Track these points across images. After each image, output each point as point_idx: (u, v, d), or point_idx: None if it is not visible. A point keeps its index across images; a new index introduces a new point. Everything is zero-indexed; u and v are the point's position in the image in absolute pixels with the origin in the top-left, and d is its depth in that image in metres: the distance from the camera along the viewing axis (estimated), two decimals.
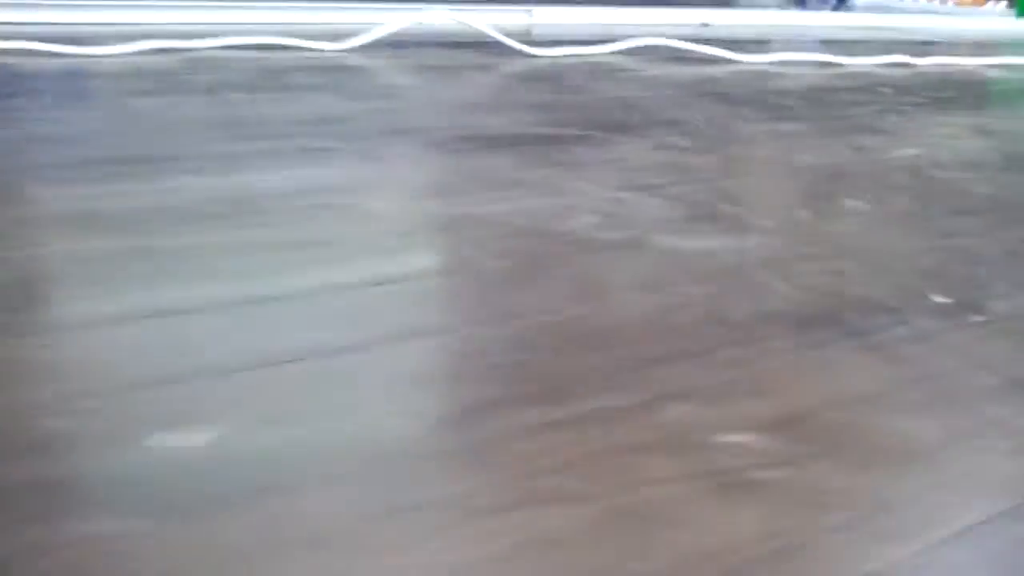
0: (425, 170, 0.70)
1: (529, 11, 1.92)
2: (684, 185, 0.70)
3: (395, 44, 1.41)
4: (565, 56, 1.41)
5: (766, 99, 1.12)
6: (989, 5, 3.52)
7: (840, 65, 1.50)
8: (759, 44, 1.72)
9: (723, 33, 1.97)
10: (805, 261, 0.55)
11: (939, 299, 0.50)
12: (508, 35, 1.53)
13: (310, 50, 1.28)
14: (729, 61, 1.45)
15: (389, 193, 0.63)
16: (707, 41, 1.75)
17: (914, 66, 1.54)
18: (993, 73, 1.52)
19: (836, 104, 1.13)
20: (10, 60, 1.09)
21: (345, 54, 1.28)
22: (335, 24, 1.56)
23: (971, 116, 1.10)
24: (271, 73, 1.09)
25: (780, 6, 3.19)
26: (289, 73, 1.10)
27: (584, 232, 0.57)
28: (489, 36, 1.44)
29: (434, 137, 0.81)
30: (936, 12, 3.25)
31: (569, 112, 0.96)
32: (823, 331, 0.45)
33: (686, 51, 1.51)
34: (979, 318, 0.48)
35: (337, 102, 0.94)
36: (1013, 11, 3.15)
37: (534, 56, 1.38)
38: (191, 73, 1.06)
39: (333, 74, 1.11)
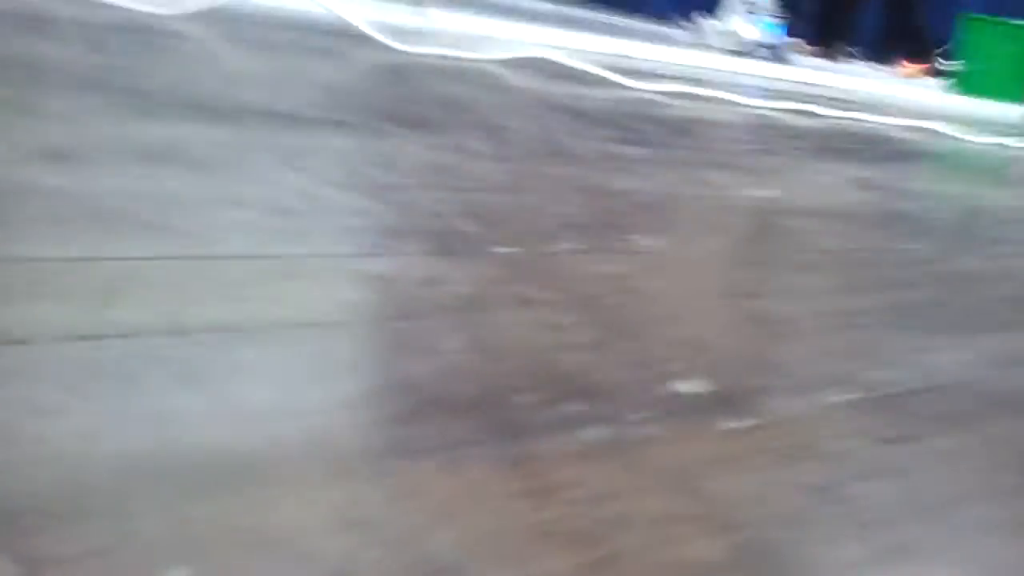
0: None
1: (424, 11, 1.77)
2: (429, 191, 0.53)
3: (237, 18, 1.23)
4: (432, 56, 1.25)
5: (628, 123, 0.96)
6: (930, 80, 3.48)
7: (740, 105, 1.37)
8: (664, 78, 1.58)
9: (638, 65, 1.83)
10: (517, 308, 0.38)
11: (686, 387, 0.34)
12: (400, 30, 1.37)
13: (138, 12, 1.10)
14: (618, 86, 1.31)
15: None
16: (608, 66, 1.61)
17: (819, 116, 1.41)
18: (900, 134, 1.40)
19: (708, 138, 0.98)
20: None
21: (164, 20, 1.10)
22: None
23: (856, 168, 0.96)
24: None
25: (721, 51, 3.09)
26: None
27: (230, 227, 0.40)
28: (352, 25, 1.28)
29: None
30: (869, 76, 3.19)
31: (375, 102, 0.80)
32: (463, 423, 0.28)
33: (573, 70, 1.36)
34: (735, 422, 0.32)
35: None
36: (953, 87, 3.10)
37: (398, 51, 1.22)
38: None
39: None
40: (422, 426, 0.28)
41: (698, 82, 1.62)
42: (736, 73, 2.20)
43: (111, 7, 1.07)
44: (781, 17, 3.33)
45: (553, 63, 1.39)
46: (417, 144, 0.65)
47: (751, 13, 3.23)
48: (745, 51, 3.27)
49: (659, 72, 1.64)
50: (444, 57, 1.27)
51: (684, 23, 3.61)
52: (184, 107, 0.62)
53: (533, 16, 2.54)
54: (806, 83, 2.20)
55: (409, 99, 0.85)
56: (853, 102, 1.83)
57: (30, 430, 0.24)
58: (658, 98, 1.25)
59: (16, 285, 0.32)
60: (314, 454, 0.25)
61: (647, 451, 0.29)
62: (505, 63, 1.32)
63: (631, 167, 0.73)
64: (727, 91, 1.45)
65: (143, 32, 0.94)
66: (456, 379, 0.31)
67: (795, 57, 3.52)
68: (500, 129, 0.78)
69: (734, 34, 3.28)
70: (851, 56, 3.78)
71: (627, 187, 0.65)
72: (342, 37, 1.25)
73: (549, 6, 3.83)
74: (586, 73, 1.35)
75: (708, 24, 3.40)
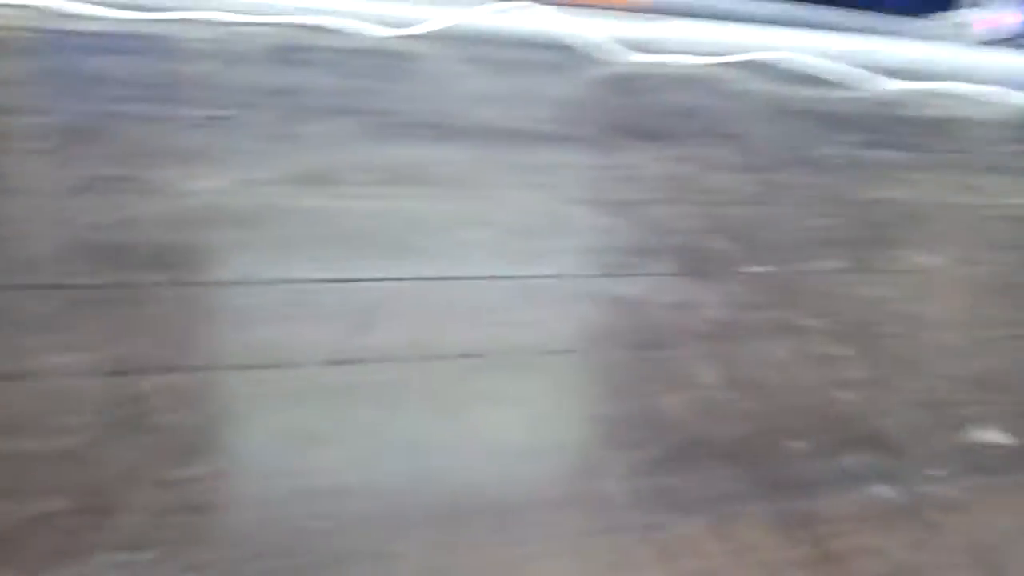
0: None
1: (652, 20, 1.74)
2: (673, 206, 0.50)
3: (474, 38, 1.26)
4: (660, 64, 1.22)
5: (878, 125, 0.89)
6: None
7: (1004, 101, 1.23)
8: (912, 73, 1.46)
9: (882, 62, 1.71)
10: (778, 336, 0.35)
11: (983, 436, 0.30)
12: (632, 43, 1.35)
13: (365, 35, 1.16)
14: (860, 86, 1.22)
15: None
16: (847, 65, 1.51)
17: None
18: None
19: (972, 139, 0.89)
20: None
21: (405, 44, 1.15)
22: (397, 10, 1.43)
23: None
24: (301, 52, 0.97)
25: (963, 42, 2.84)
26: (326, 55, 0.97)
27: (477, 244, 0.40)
28: (579, 39, 1.27)
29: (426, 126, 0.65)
30: None
31: (608, 115, 0.78)
32: (731, 471, 0.25)
33: (809, 71, 1.28)
34: None
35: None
36: None
37: (626, 63, 1.20)
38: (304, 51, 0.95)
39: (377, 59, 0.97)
40: (687, 473, 0.25)
41: (952, 77, 1.48)
42: (995, 65, 2.00)
43: (350, 34, 1.13)
44: None
45: (786, 65, 1.31)
46: (656, 156, 0.63)
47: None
48: (1004, 39, 2.98)
49: (905, 69, 1.51)
50: (673, 65, 1.23)
51: (927, 16, 3.34)
52: (426, 127, 0.63)
53: (757, 16, 2.44)
54: None
55: (642, 110, 0.83)
56: None
57: (289, 461, 0.24)
58: (908, 97, 1.15)
59: (276, 307, 0.33)
60: (574, 497, 0.24)
61: (946, 518, 0.25)
62: (735, 66, 1.27)
63: (889, 174, 0.66)
64: (987, 85, 1.31)
65: (382, 55, 0.98)
66: (718, 418, 0.28)
67: None
68: (740, 137, 0.74)
69: (987, 22, 3.00)
70: None
71: (887, 196, 0.59)
72: (568, 51, 1.25)
73: (773, 6, 3.67)
74: (823, 73, 1.27)
75: (957, 14, 3.13)
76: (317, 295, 0.34)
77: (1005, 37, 2.89)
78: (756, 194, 0.55)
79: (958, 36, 2.98)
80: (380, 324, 0.32)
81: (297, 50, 0.93)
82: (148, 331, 0.30)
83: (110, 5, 1.05)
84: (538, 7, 1.41)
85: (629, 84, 0.98)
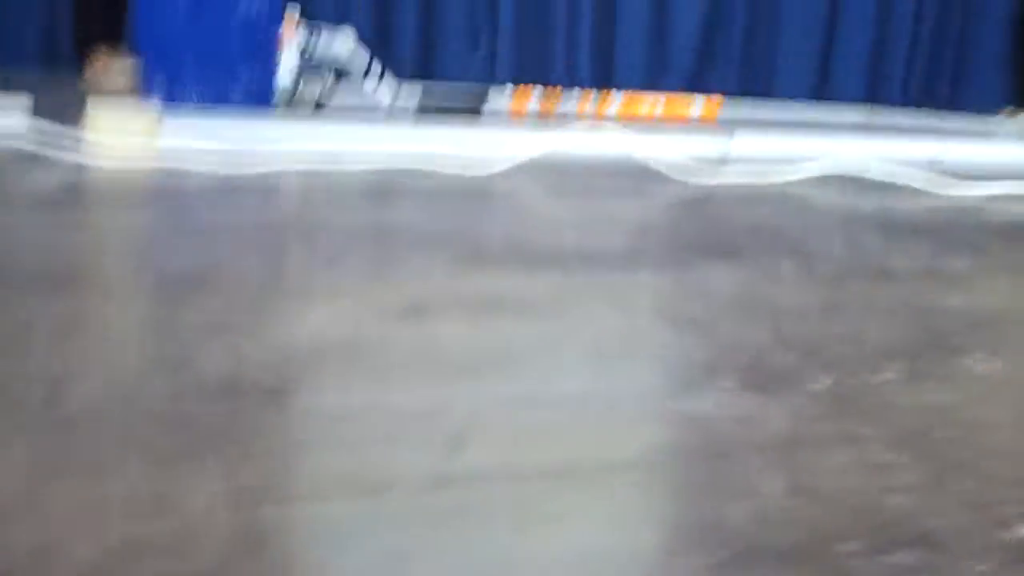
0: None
1: (722, 136, 1.79)
2: (741, 322, 0.54)
3: (552, 168, 1.33)
4: (730, 185, 1.26)
5: (949, 232, 0.91)
6: None
7: None
8: (983, 178, 1.46)
9: (953, 166, 1.71)
10: (838, 446, 0.38)
11: None
12: (704, 160, 1.41)
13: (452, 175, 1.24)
14: (933, 193, 1.23)
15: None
16: (920, 172, 1.53)
17: None
18: None
19: None
20: None
21: (488, 180, 1.23)
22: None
23: None
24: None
25: None
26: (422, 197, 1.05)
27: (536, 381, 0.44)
28: (652, 163, 1.33)
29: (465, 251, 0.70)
30: None
31: (680, 236, 0.83)
32: (785, 571, 0.28)
33: (882, 181, 1.31)
34: None
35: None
36: None
37: (697, 185, 1.25)
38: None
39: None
40: None
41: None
42: None
43: (436, 175, 1.21)
44: None
45: (858, 176, 1.34)
46: (725, 274, 0.67)
47: None
48: None
49: (978, 173, 1.52)
50: (743, 185, 1.27)
51: (1002, 113, 3.32)
52: (509, 257, 0.69)
53: (831, 127, 2.47)
54: None
55: (712, 230, 0.87)
56: None
57: None
58: (980, 203, 1.16)
59: (375, 433, 0.38)
60: None
61: None
62: (807, 183, 1.29)
63: (957, 281, 0.68)
64: None
65: (466, 192, 1.05)
66: (777, 525, 0.31)
67: None
68: (808, 252, 0.77)
69: None
70: None
71: (954, 305, 0.61)
72: (642, 176, 1.30)
73: (850, 114, 3.69)
74: (896, 183, 1.29)
75: None
76: (412, 420, 0.39)
77: None
78: (821, 308, 0.58)
79: None
80: (470, 446, 0.36)
81: (392, 193, 1.02)
82: (262, 461, 0.35)
83: (217, 159, 1.16)
84: (611, 130, 1.48)
85: (702, 203, 1.02)
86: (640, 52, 5.76)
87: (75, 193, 0.90)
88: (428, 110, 2.23)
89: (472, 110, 2.40)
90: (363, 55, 2.22)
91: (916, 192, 1.20)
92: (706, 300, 0.60)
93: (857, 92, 5.65)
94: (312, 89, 2.04)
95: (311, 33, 2.09)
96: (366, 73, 2.21)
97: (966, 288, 0.67)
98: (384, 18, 5.04)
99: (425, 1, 5.28)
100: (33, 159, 1.00)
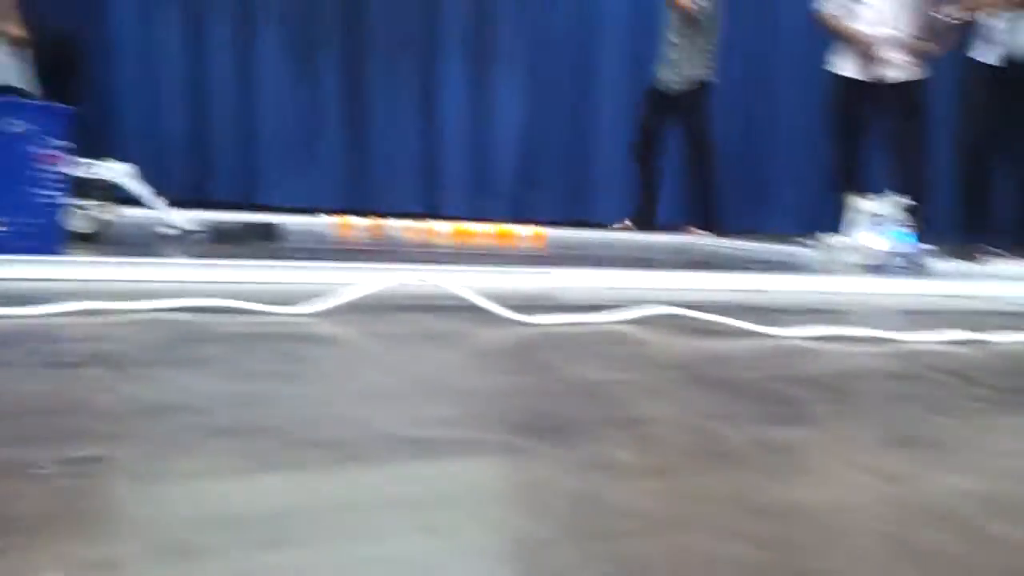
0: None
1: (548, 272, 1.78)
2: (576, 543, 0.46)
3: (373, 308, 1.25)
4: (559, 324, 1.22)
5: (778, 388, 0.89)
6: None
7: (892, 341, 1.27)
8: (805, 315, 1.51)
9: (774, 301, 1.77)
10: None
11: None
12: (527, 299, 1.37)
13: (269, 314, 1.14)
14: (751, 333, 1.24)
15: None
16: (743, 309, 1.56)
17: (991, 344, 1.29)
18: None
19: (873, 398, 0.89)
20: None
21: (309, 319, 1.13)
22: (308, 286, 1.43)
23: None
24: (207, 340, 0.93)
25: (852, 272, 3.01)
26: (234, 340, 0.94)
27: None
28: (474, 302, 1.28)
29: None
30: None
31: (506, 405, 0.76)
32: None
33: (703, 321, 1.31)
34: None
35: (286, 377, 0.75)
36: None
37: (521, 324, 1.20)
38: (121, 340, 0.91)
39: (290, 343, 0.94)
40: None
41: (842, 315, 1.54)
42: (874, 295, 2.10)
43: (247, 313, 1.10)
44: (911, 226, 3.25)
45: (683, 316, 1.34)
46: (553, 466, 0.60)
47: (878, 225, 3.17)
48: (878, 266, 3.18)
49: (797, 308, 1.56)
50: (571, 324, 1.24)
51: (808, 241, 3.57)
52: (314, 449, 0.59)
53: (647, 261, 2.55)
54: (958, 296, 2.07)
55: (544, 391, 0.81)
56: None
57: None
58: (804, 344, 1.17)
59: None
60: None
61: None
62: (636, 322, 1.28)
63: (793, 461, 0.65)
64: (875, 324, 1.36)
65: (280, 338, 0.95)
66: None
67: (935, 265, 3.39)
68: (641, 424, 0.72)
69: (863, 249, 3.21)
70: (998, 255, 3.61)
71: (792, 499, 0.56)
72: (462, 313, 1.24)
73: (667, 248, 3.86)
74: (717, 323, 1.29)
75: (834, 241, 3.34)
76: None
77: (877, 262, 3.08)
78: (665, 515, 0.52)
79: (841, 261, 3.15)
80: None
81: (193, 341, 0.90)
82: None
83: None
84: (436, 266, 1.42)
85: (527, 352, 0.97)
86: (464, 179, 5.80)
87: None
88: (218, 240, 2.14)
89: (266, 237, 2.32)
90: (140, 185, 2.12)
91: (741, 333, 1.20)
92: (535, 506, 0.52)
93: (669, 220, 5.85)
94: (91, 220, 1.90)
95: (86, 165, 1.97)
96: (147, 203, 2.10)
97: (802, 473, 0.63)
98: (202, 147, 4.86)
99: (243, 128, 5.19)
100: None
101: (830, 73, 4.22)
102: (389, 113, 5.23)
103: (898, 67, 4.00)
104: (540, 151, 5.53)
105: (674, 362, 1.00)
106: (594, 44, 5.45)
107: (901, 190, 3.73)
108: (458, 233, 3.80)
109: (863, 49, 4.02)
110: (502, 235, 3.93)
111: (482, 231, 3.93)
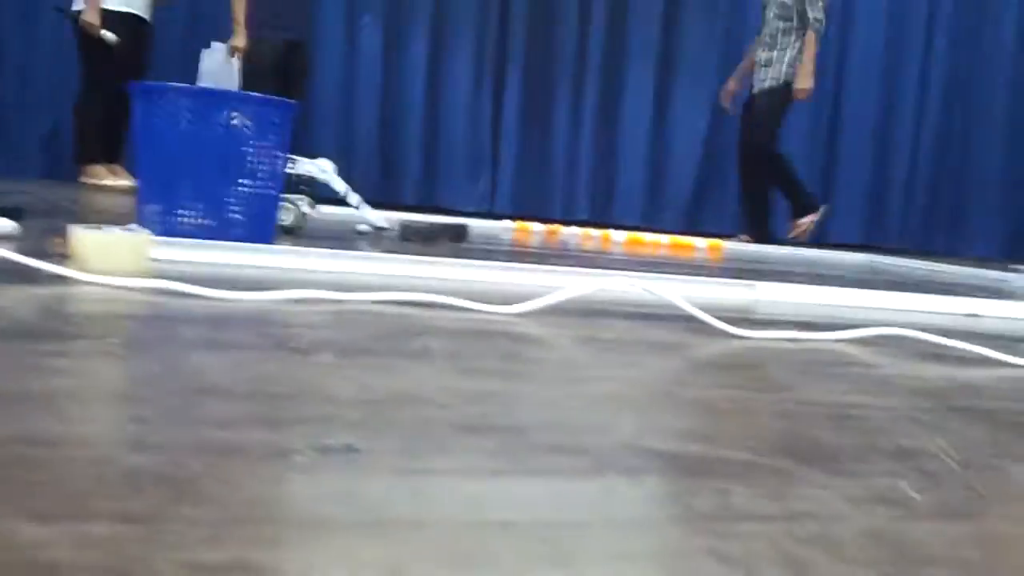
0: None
1: (752, 285, 1.70)
2: None
3: (581, 312, 1.22)
4: (776, 340, 1.15)
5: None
6: None
7: None
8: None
9: (993, 327, 1.62)
10: None
11: None
12: (730, 311, 1.31)
13: (480, 312, 1.12)
14: (995, 362, 1.12)
15: None
16: (967, 335, 1.42)
17: None
18: None
19: None
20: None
21: (519, 319, 1.11)
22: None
23: None
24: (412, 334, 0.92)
25: None
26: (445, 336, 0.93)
27: None
28: (683, 310, 1.22)
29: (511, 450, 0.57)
30: None
31: (747, 423, 0.70)
32: None
33: (936, 345, 1.20)
34: None
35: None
36: None
37: (737, 337, 1.13)
38: (335, 327, 0.92)
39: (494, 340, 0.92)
40: None
41: None
42: None
43: (463, 311, 1.09)
44: None
45: (911, 337, 1.23)
46: (834, 497, 0.53)
47: None
48: None
49: (1018, 335, 1.41)
50: (789, 340, 1.16)
51: (1017, 266, 3.28)
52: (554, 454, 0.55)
53: (838, 279, 2.40)
54: None
55: (782, 413, 0.74)
56: None
57: None
58: None
59: None
60: None
61: None
62: (858, 342, 1.19)
63: None
64: None
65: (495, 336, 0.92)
66: None
67: None
68: (914, 455, 0.64)
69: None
70: None
71: None
72: (672, 322, 1.19)
73: (851, 261, 3.65)
74: (947, 348, 1.17)
75: None
76: None
77: None
78: (965, 561, 0.45)
79: None
80: None
81: (413, 334, 0.89)
82: None
83: (212, 285, 1.04)
84: (638, 274, 1.38)
85: (757, 368, 0.90)
86: (639, 191, 5.76)
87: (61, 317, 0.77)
88: (409, 238, 2.16)
89: (456, 238, 2.34)
90: (341, 182, 2.18)
91: (981, 360, 1.09)
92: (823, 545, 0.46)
93: (853, 237, 5.67)
94: (295, 214, 1.97)
95: (291, 160, 2.04)
96: (345, 200, 2.16)
97: None
98: (389, 150, 5.06)
99: (429, 134, 5.34)
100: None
101: None
102: (571, 124, 5.25)
103: None
104: (716, 164, 5.40)
105: (920, 388, 0.91)
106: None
107: None
108: (633, 242, 3.73)
109: None
110: (678, 246, 3.84)
111: (657, 241, 3.85)
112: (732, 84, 4.67)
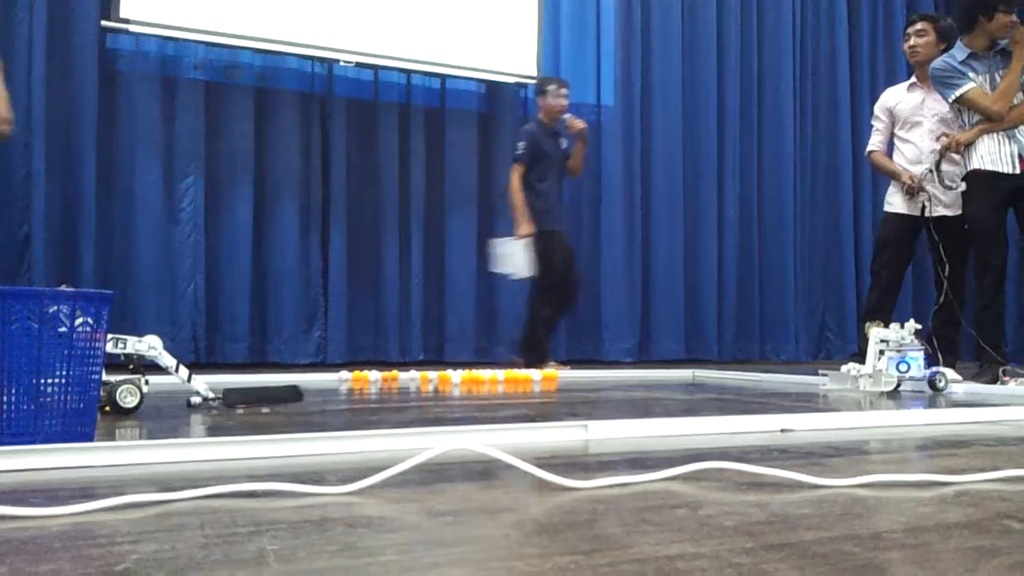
0: None
1: (585, 426, 1.76)
2: None
3: (418, 481, 1.22)
4: (608, 487, 1.19)
5: (854, 552, 0.86)
6: None
7: (947, 484, 1.24)
8: (847, 456, 1.48)
9: (804, 440, 1.75)
10: None
11: None
12: (565, 456, 1.34)
13: (314, 495, 1.11)
14: (810, 486, 1.22)
15: None
16: (781, 453, 1.53)
17: None
18: None
19: (956, 556, 0.86)
20: None
21: (354, 498, 1.10)
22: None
23: None
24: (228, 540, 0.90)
25: (871, 400, 2.99)
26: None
27: None
28: (506, 463, 1.25)
29: None
30: None
31: None
32: None
33: (751, 475, 1.28)
34: None
35: None
36: None
37: (572, 489, 1.17)
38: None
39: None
40: None
41: (879, 454, 1.51)
42: (897, 427, 2.08)
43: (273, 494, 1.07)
44: (924, 351, 3.26)
45: (729, 469, 1.31)
46: None
47: (894, 352, 3.16)
48: (894, 391, 3.16)
49: (831, 448, 1.53)
50: (618, 485, 1.21)
51: (822, 370, 3.55)
52: None
53: (659, 402, 2.53)
54: (979, 422, 2.03)
55: (618, 573, 0.77)
56: None
57: None
58: (862, 493, 1.14)
59: None
60: None
61: None
62: (683, 479, 1.25)
63: None
64: (921, 464, 1.33)
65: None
66: None
67: (953, 389, 3.38)
68: None
69: (878, 376, 3.20)
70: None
71: None
72: (505, 477, 1.20)
73: (673, 383, 3.85)
74: (766, 476, 1.26)
75: (849, 368, 3.33)
76: None
77: (888, 390, 3.07)
78: None
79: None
80: None
81: (248, 534, 0.87)
82: None
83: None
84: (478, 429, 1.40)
85: (585, 527, 0.93)
86: (471, 328, 5.84)
87: None
88: (233, 405, 2.13)
89: (290, 400, 2.32)
90: (169, 356, 2.14)
91: (797, 485, 1.17)
92: None
93: (679, 353, 5.92)
94: (139, 397, 1.91)
95: (121, 342, 2.00)
96: (175, 371, 2.11)
97: None
98: (216, 312, 4.92)
99: (257, 290, 5.25)
100: None
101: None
102: (399, 271, 5.34)
103: (941, 203, 4.02)
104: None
105: (740, 526, 0.97)
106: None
107: (972, 323, 3.75)
108: (470, 380, 3.78)
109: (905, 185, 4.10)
110: (515, 380, 3.91)
111: (494, 376, 3.90)
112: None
